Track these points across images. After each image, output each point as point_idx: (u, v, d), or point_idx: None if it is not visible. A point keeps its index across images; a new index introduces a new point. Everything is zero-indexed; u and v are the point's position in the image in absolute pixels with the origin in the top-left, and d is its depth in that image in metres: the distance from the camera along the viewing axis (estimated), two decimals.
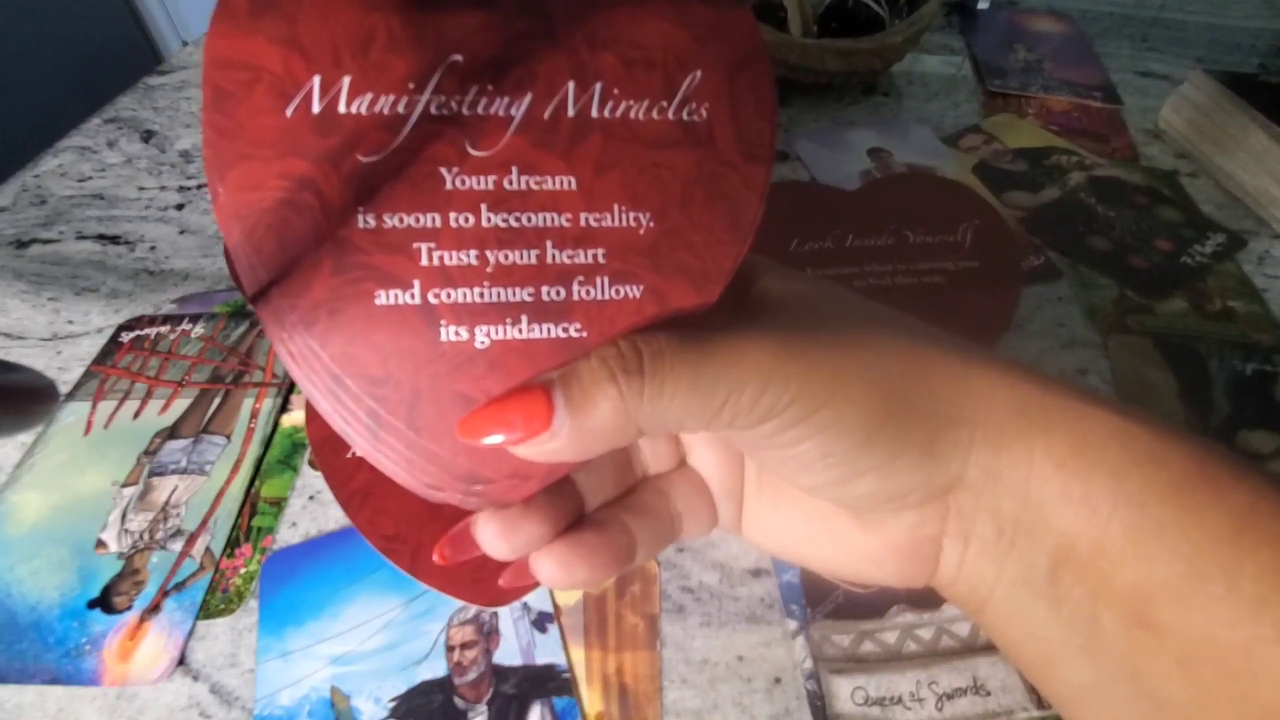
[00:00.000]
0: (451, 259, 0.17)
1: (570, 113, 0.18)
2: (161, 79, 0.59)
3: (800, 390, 0.16)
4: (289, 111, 0.16)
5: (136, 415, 0.34)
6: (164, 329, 0.38)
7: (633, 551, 0.20)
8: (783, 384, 0.16)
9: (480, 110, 0.17)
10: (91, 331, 0.38)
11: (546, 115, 0.17)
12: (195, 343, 0.37)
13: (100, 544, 0.29)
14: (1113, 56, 0.61)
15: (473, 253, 0.17)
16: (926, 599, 0.27)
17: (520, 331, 0.17)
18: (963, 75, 0.59)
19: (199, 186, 0.48)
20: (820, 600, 0.27)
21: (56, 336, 0.38)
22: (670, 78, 0.18)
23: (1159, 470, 0.16)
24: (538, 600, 0.28)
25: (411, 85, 0.17)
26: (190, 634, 0.27)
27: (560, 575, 0.19)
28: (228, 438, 0.33)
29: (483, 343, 0.17)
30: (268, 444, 0.33)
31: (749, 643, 0.27)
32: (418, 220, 0.17)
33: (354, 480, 0.30)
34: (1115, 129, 0.53)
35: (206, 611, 0.27)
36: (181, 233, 0.44)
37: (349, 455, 0.31)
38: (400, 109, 0.17)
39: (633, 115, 0.18)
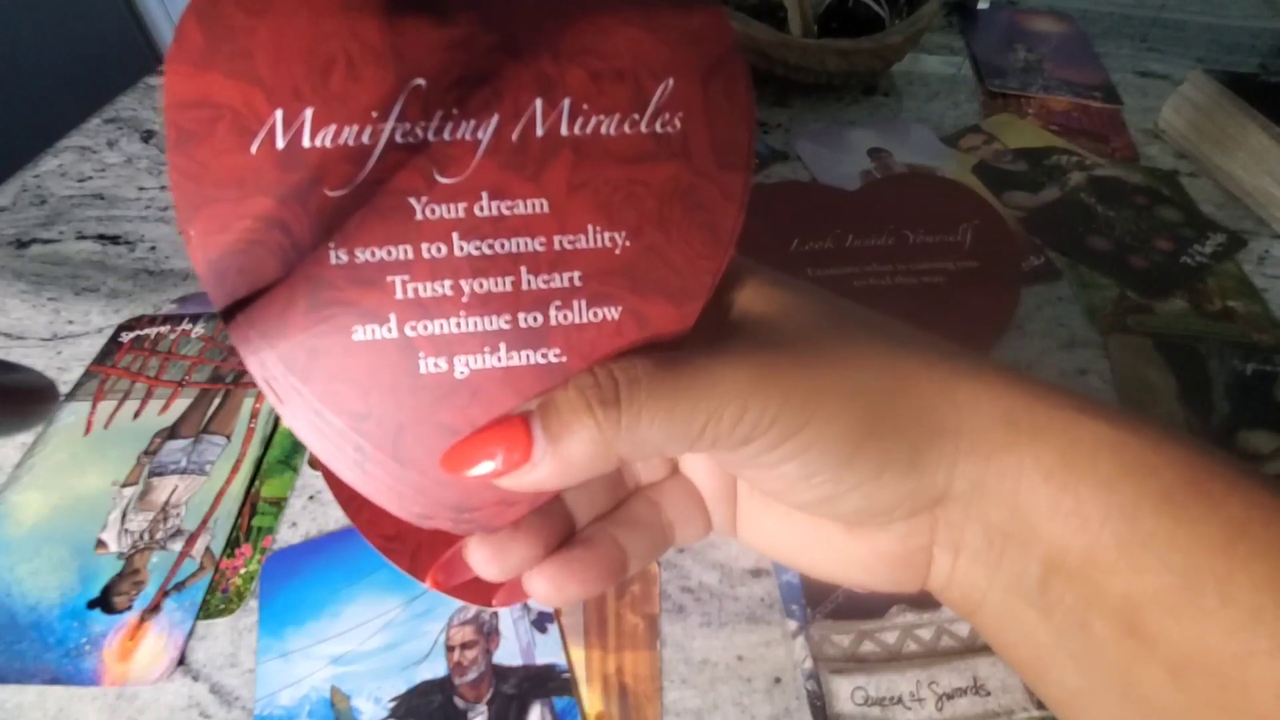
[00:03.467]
0: (426, 291, 0.17)
1: (539, 132, 0.17)
2: (161, 79, 0.59)
3: (780, 411, 0.16)
4: (253, 149, 0.16)
5: (136, 415, 0.34)
6: (164, 329, 0.38)
7: (624, 565, 0.20)
8: (762, 406, 0.16)
9: (446, 136, 0.17)
10: (91, 331, 0.38)
11: (514, 136, 0.17)
12: (195, 343, 0.37)
13: (100, 544, 0.29)
14: (1113, 56, 0.61)
15: (447, 283, 0.17)
16: (926, 599, 0.27)
17: (499, 360, 0.17)
18: (963, 75, 0.59)
19: None
20: (820, 600, 0.27)
21: (56, 336, 0.38)
22: (641, 88, 0.17)
23: (1151, 480, 0.16)
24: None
25: (375, 114, 0.16)
26: (190, 634, 0.27)
27: (552, 593, 0.19)
28: (228, 438, 0.33)
29: (462, 373, 0.17)
30: (268, 444, 0.33)
31: (749, 643, 0.27)
32: (389, 253, 0.17)
33: None
34: (1115, 129, 0.53)
35: (206, 611, 0.27)
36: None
37: None
38: (365, 139, 0.16)
39: (604, 130, 0.17)
